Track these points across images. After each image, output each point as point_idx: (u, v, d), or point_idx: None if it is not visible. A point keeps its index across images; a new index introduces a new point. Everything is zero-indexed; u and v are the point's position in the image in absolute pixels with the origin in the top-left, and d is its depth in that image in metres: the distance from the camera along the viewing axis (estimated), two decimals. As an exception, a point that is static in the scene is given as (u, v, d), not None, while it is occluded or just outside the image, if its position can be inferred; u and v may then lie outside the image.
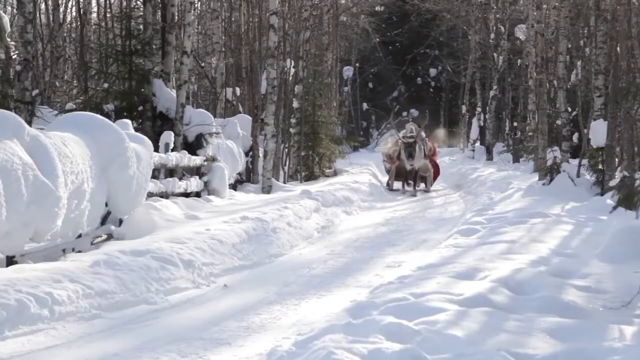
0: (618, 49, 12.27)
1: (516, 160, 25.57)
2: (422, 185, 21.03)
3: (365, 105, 46.77)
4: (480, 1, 31.78)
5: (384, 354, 4.18)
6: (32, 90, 12.03)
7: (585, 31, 19.27)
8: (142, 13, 14.40)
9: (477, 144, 33.34)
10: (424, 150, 19.83)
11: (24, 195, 6.65)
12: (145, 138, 9.87)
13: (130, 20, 14.12)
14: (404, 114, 45.58)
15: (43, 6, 25.23)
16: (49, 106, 17.02)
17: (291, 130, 21.85)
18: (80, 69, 20.53)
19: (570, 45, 19.37)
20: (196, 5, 23.97)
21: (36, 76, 14.90)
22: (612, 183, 12.06)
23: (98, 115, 9.13)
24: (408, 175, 20.00)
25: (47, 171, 7.05)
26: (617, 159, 13.12)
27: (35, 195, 6.81)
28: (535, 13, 19.16)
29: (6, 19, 12.24)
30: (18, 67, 11.46)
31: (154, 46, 13.96)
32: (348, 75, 44.46)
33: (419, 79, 49.10)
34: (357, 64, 45.19)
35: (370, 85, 48.39)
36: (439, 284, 6.07)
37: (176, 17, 14.67)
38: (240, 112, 19.84)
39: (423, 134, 20.72)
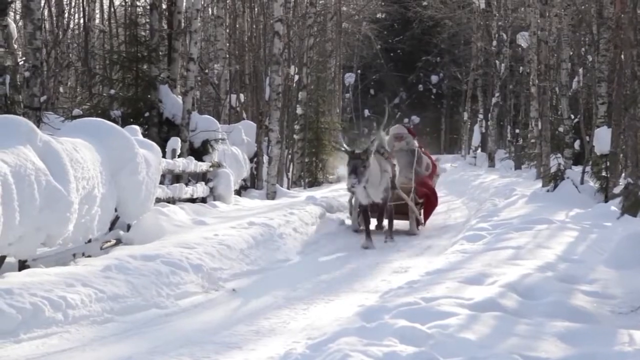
0: (622, 56, 12.35)
1: (518, 167, 25.70)
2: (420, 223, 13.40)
3: (366, 112, 46.87)
4: (482, 8, 31.91)
5: (399, 356, 4.24)
6: (40, 96, 12.12)
7: (587, 39, 19.36)
8: (147, 20, 14.51)
9: (479, 150, 33.46)
10: (393, 169, 12.12)
11: (36, 200, 6.71)
12: (154, 144, 9.95)
13: (137, 27, 14.22)
14: (406, 120, 45.69)
15: (46, 12, 25.32)
16: (54, 112, 17.10)
17: (295, 136, 21.95)
18: (84, 75, 20.64)
19: (572, 53, 19.48)
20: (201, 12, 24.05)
21: (43, 82, 14.98)
22: (616, 190, 12.13)
23: (108, 122, 9.19)
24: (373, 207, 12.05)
25: (59, 176, 7.11)
26: (620, 166, 13.18)
27: (48, 200, 6.87)
28: (539, 21, 19.24)
29: (13, 26, 12.34)
30: (27, 74, 11.54)
31: (160, 53, 14.05)
32: (350, 81, 44.57)
33: (420, 85, 49.30)
34: (359, 71, 45.35)
35: (372, 91, 48.52)
36: (448, 288, 6.13)
37: (182, 24, 14.75)
38: (244, 119, 19.92)
39: (416, 144, 13.97)
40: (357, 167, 11.06)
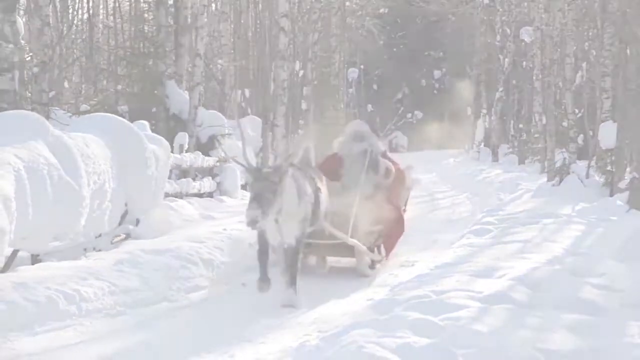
0: (628, 51, 12.38)
1: (522, 161, 25.70)
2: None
3: (370, 107, 46.88)
4: (485, 3, 31.88)
5: (412, 348, 4.30)
6: (49, 92, 12.19)
7: (591, 33, 19.34)
8: (153, 15, 14.58)
9: (482, 145, 33.45)
10: (317, 192, 7.80)
11: (49, 195, 6.77)
12: (163, 139, 10.02)
13: (143, 22, 14.30)
14: (409, 115, 45.71)
15: (50, 8, 25.29)
16: (60, 108, 17.14)
17: (299, 131, 22.00)
18: (90, 71, 20.69)
19: (575, 47, 19.46)
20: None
21: (51, 78, 15.07)
22: (621, 184, 12.17)
23: (118, 117, 9.28)
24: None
25: (71, 171, 7.17)
26: (625, 161, 13.21)
27: (60, 194, 6.92)
28: (543, 16, 19.25)
29: (20, 22, 12.38)
30: (35, 69, 11.60)
31: (166, 49, 14.11)
32: (353, 77, 44.57)
33: (423, 80, 49.24)
34: (362, 66, 45.32)
35: (375, 87, 48.52)
36: (458, 281, 6.18)
37: (189, 20, 14.80)
38: (249, 114, 19.98)
39: (381, 148, 9.70)
40: (262, 193, 6.76)
